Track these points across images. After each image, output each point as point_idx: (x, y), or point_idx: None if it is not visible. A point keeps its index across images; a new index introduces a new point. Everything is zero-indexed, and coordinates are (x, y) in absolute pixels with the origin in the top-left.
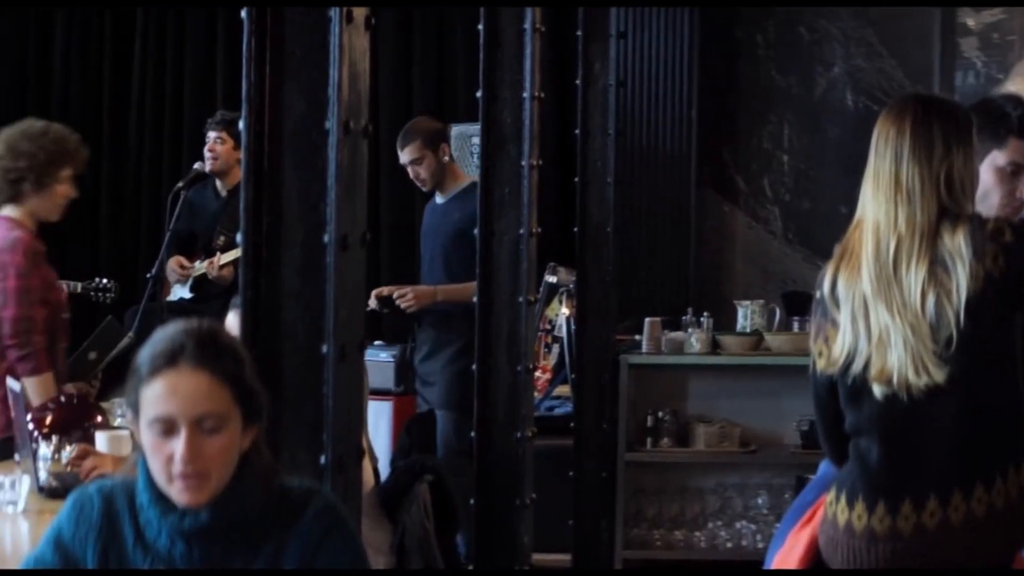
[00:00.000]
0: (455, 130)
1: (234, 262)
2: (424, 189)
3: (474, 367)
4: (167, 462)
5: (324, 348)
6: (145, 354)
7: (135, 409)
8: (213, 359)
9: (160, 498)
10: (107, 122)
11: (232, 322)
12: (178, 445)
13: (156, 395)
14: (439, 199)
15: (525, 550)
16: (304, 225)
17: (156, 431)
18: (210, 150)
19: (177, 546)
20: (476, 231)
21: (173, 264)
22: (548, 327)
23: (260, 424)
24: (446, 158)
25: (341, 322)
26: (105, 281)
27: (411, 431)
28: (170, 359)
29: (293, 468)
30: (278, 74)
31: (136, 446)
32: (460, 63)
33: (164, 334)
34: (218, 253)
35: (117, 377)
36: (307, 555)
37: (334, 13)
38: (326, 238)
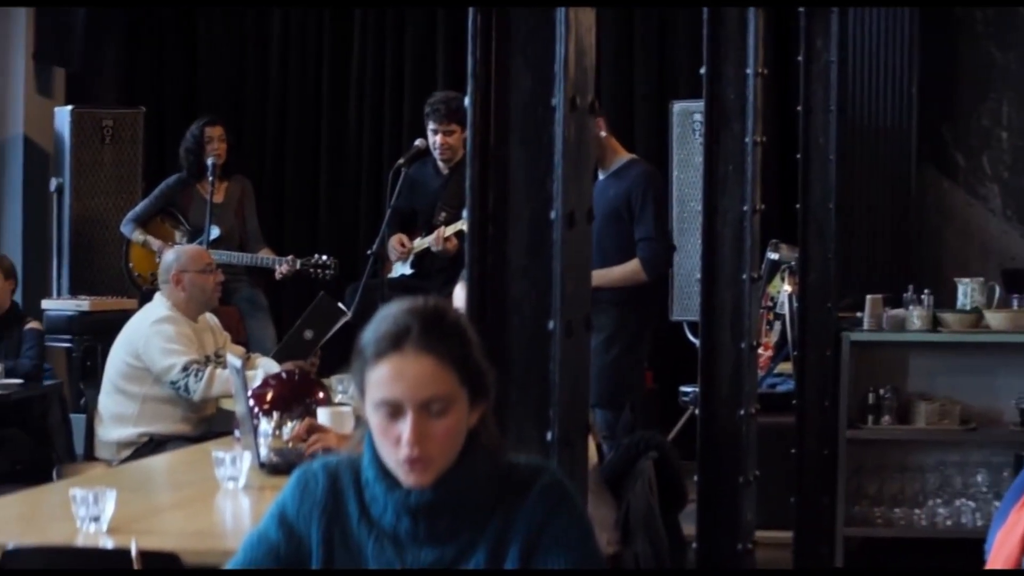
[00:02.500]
0: (676, 107)
1: (458, 234)
2: None
3: (611, 356)
4: (394, 444)
5: (551, 324)
6: (370, 335)
7: (361, 389)
8: (439, 342)
9: (386, 474)
10: (327, 100)
11: (459, 295)
12: (404, 428)
13: (382, 379)
14: (600, 175)
15: (748, 527)
16: (531, 202)
17: (382, 414)
18: (442, 143)
19: (403, 522)
20: (627, 210)
21: (395, 243)
22: (770, 304)
23: (487, 402)
24: (603, 133)
25: (568, 298)
26: (325, 258)
27: (635, 408)
28: (395, 342)
29: (520, 444)
30: (504, 50)
31: (360, 423)
32: (681, 40)
33: (389, 314)
34: (441, 228)
35: (337, 354)
36: (533, 531)
37: None
38: (553, 214)
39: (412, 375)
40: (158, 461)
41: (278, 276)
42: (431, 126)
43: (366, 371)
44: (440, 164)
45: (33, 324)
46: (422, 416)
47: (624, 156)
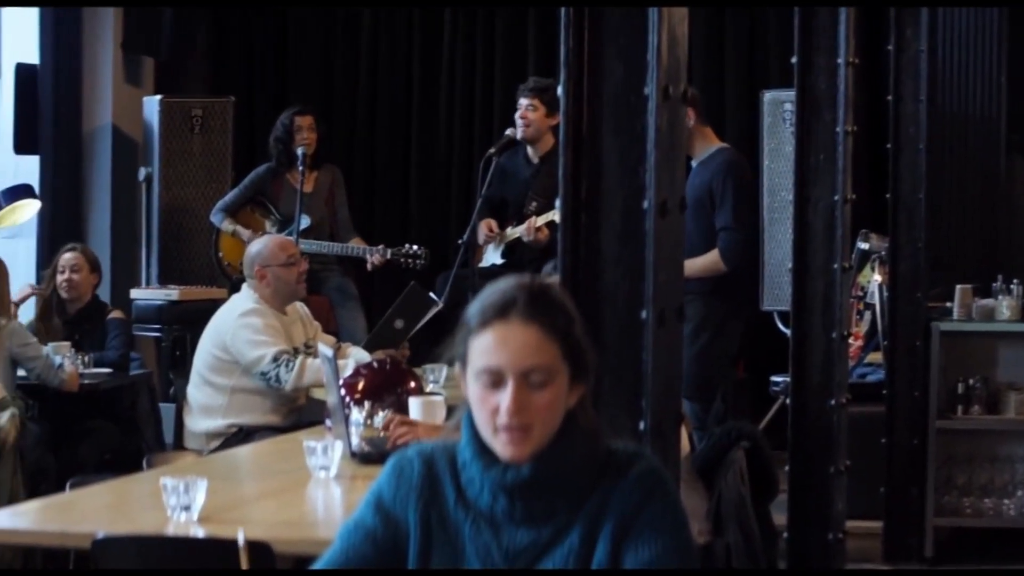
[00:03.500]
0: (767, 96)
1: (550, 224)
2: None
3: (682, 349)
4: (492, 413)
5: (643, 313)
6: (475, 306)
7: (463, 360)
8: (544, 313)
9: (482, 453)
10: (417, 89)
11: None
12: (504, 397)
13: (486, 346)
14: (692, 163)
15: (839, 517)
16: (623, 190)
17: (483, 382)
18: (522, 117)
19: (499, 502)
20: (709, 199)
21: (483, 227)
22: (860, 294)
23: (587, 383)
24: (691, 121)
25: (660, 287)
26: (416, 248)
27: (727, 397)
28: (501, 311)
29: (613, 433)
30: (597, 39)
31: (454, 411)
32: (772, 28)
33: (496, 287)
34: (533, 218)
35: (428, 343)
36: (627, 515)
37: None
38: (645, 204)
39: (516, 343)
40: (248, 451)
41: (369, 267)
42: (518, 102)
43: (470, 339)
44: (530, 152)
45: (116, 314)
46: (523, 386)
47: (714, 144)
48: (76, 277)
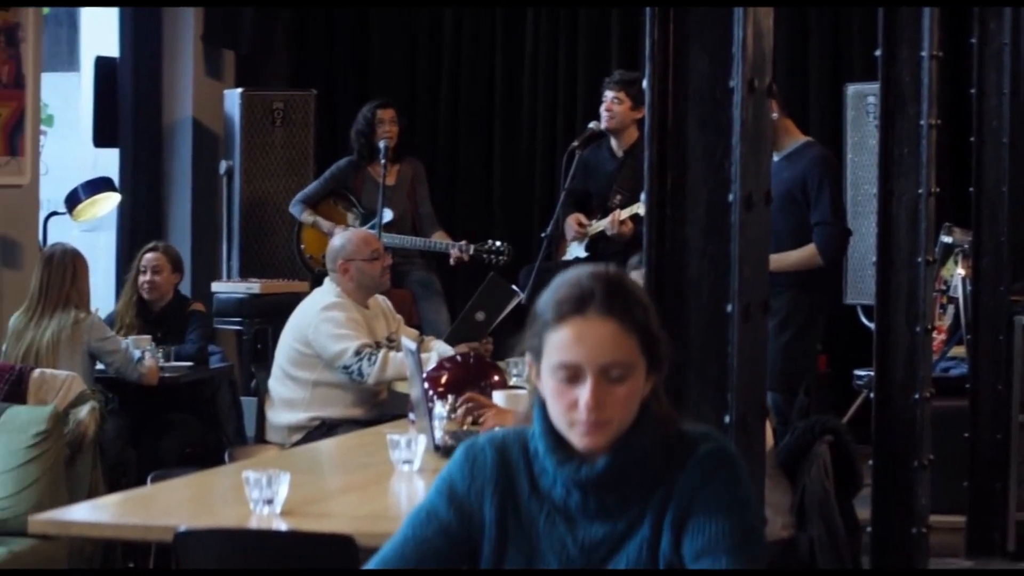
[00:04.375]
0: (851, 89)
1: (634, 217)
2: None
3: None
4: (569, 408)
5: (729, 307)
6: (549, 299)
7: (536, 352)
8: (622, 306)
9: (556, 447)
10: (500, 82)
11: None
12: (583, 392)
13: (563, 341)
14: (775, 157)
15: (923, 511)
16: (708, 184)
17: (560, 377)
18: (607, 109)
19: (573, 496)
20: (802, 194)
21: (572, 221)
22: (943, 288)
23: (661, 372)
24: (774, 114)
25: (745, 281)
26: (499, 244)
27: (810, 391)
28: (578, 306)
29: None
30: (681, 32)
31: (528, 398)
32: (856, 21)
33: (569, 279)
34: (617, 211)
35: (511, 336)
36: (687, 500)
37: None
38: (731, 197)
39: (594, 339)
40: (330, 444)
41: (452, 261)
42: (603, 94)
43: (545, 334)
44: (614, 146)
45: (195, 306)
46: (601, 381)
47: (799, 138)
48: (157, 279)
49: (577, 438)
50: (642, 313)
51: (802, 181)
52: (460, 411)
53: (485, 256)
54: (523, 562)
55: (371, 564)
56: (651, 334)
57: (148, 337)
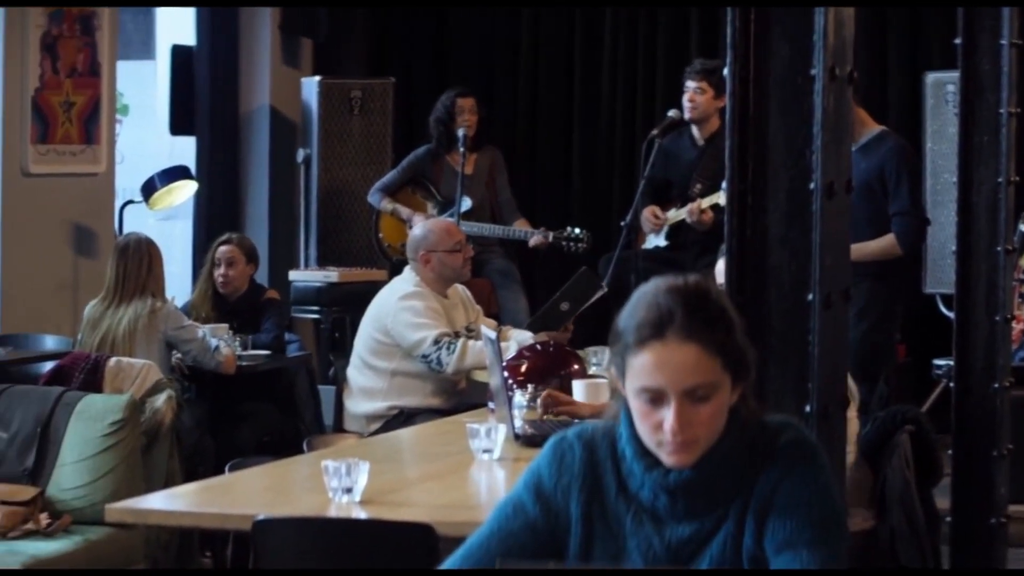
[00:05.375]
0: (930, 78)
1: (714, 206)
2: None
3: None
4: (655, 429)
5: (809, 296)
6: (630, 319)
7: (620, 371)
8: (702, 329)
9: (644, 453)
10: (579, 69)
11: (721, 269)
12: (668, 415)
13: (644, 366)
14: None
15: (1002, 501)
16: (789, 172)
17: (644, 399)
18: (689, 100)
19: (660, 499)
20: (880, 184)
21: (647, 214)
22: (1022, 277)
23: (748, 379)
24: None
25: (827, 270)
26: (577, 231)
27: (890, 380)
28: (658, 330)
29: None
30: (763, 20)
31: (616, 394)
32: (935, 10)
33: (650, 298)
34: (697, 200)
35: (591, 325)
36: (768, 492)
37: None
38: (812, 185)
39: (675, 364)
40: (409, 433)
41: (531, 245)
42: (685, 84)
43: (627, 356)
44: (695, 134)
45: (270, 294)
46: (685, 403)
47: (874, 128)
48: (232, 272)
49: (665, 456)
50: (724, 330)
51: (880, 171)
52: (539, 406)
53: (564, 243)
54: (609, 560)
55: (456, 556)
56: (734, 350)
57: (225, 326)
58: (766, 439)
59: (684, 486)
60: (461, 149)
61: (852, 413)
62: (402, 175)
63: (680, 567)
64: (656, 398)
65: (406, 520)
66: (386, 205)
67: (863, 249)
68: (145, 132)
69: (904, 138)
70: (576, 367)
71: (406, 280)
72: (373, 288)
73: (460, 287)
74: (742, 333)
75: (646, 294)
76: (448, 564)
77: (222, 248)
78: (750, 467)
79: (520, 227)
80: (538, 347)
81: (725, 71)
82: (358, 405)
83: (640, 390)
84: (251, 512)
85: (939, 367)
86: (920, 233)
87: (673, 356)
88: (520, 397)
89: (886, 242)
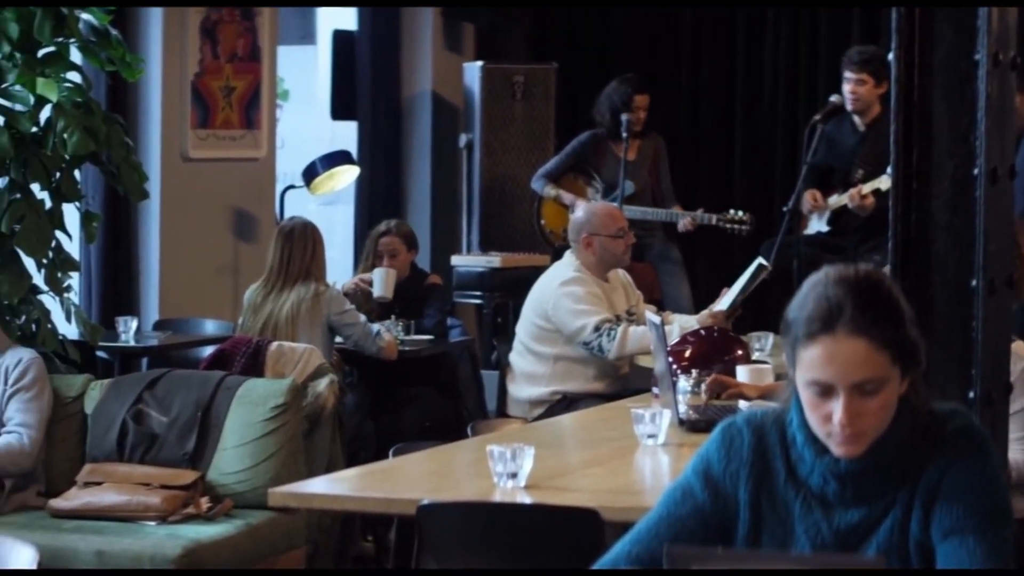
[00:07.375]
0: None
1: (875, 192)
2: None
3: None
4: (824, 420)
5: (973, 282)
6: (800, 311)
7: (791, 362)
8: (872, 323)
9: (814, 439)
10: (741, 54)
11: None
12: (837, 408)
13: (813, 360)
14: None
15: None
16: (953, 158)
17: (813, 391)
18: (851, 92)
19: (830, 485)
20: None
21: (808, 197)
22: None
23: (918, 369)
24: None
25: (990, 256)
26: (741, 214)
27: None
28: (827, 324)
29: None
30: (928, 5)
31: (787, 380)
32: None
33: (820, 289)
34: (859, 185)
35: (755, 310)
36: (935, 479)
37: None
38: (976, 171)
39: (844, 359)
40: (572, 418)
41: (681, 229)
42: (844, 75)
43: (797, 348)
44: (856, 120)
45: (433, 279)
46: (854, 396)
47: None
48: (395, 262)
49: (834, 447)
50: (894, 323)
51: None
52: (704, 391)
53: (727, 226)
54: (777, 545)
55: (625, 540)
56: (904, 343)
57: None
58: (935, 427)
59: (854, 473)
60: (624, 134)
61: None
62: (566, 161)
63: (848, 553)
64: (825, 391)
65: (572, 505)
66: (550, 191)
67: None
68: (306, 117)
69: None
70: (740, 352)
71: (566, 265)
72: (535, 273)
73: (621, 271)
74: (912, 325)
75: (816, 285)
76: (617, 549)
77: (383, 240)
78: (919, 454)
79: (678, 212)
80: (702, 332)
81: (890, 56)
82: (521, 390)
83: (810, 382)
84: (415, 497)
85: None
86: None
87: (842, 350)
88: (684, 382)
89: None
